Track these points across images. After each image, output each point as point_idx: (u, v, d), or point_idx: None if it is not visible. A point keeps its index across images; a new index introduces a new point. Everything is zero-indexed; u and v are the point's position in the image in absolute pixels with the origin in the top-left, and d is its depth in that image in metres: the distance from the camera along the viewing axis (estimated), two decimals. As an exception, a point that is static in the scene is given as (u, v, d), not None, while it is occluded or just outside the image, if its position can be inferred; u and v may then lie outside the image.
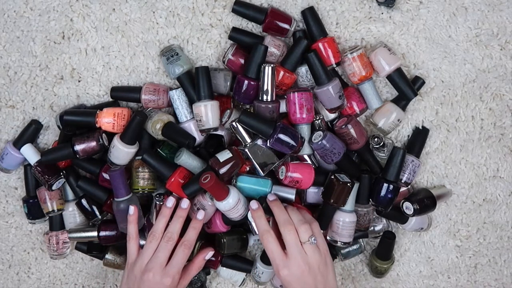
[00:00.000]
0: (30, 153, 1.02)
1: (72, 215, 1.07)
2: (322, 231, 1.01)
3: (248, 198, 0.99)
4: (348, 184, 0.96)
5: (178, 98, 1.00)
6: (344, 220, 1.00)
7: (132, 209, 0.99)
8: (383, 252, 1.09)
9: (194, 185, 0.96)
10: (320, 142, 0.96)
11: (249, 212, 0.99)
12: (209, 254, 1.03)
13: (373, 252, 1.11)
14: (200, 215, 0.99)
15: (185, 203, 0.99)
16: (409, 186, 1.07)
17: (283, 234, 0.92)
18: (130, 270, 0.97)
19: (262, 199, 0.97)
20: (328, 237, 1.03)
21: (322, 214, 1.01)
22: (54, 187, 1.01)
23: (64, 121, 1.00)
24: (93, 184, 1.04)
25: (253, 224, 1.01)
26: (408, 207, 1.02)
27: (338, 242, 1.02)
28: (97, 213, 1.05)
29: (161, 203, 0.99)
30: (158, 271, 0.95)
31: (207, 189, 0.92)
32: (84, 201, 1.04)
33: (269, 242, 0.93)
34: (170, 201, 0.99)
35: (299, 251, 0.91)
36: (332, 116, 1.03)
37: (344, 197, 0.97)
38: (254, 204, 0.97)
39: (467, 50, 1.04)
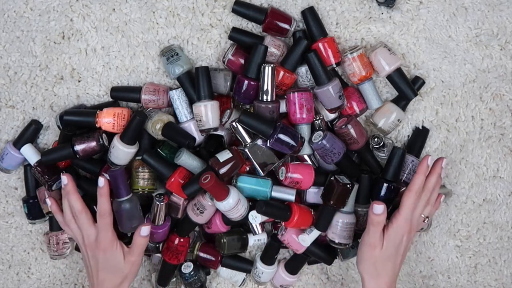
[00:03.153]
0: (30, 153, 1.02)
1: (72, 215, 1.07)
2: (321, 232, 1.02)
3: (248, 198, 0.99)
4: (348, 186, 0.96)
5: (178, 98, 1.00)
6: (344, 221, 1.00)
7: (102, 182, 0.96)
8: (383, 252, 1.09)
9: (194, 185, 0.96)
10: (320, 142, 0.96)
11: (249, 213, 0.99)
12: (143, 229, 0.98)
13: (373, 252, 1.11)
14: (100, 182, 0.96)
15: (100, 182, 0.96)
16: (409, 186, 1.07)
17: (403, 197, 0.96)
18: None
19: (260, 204, 0.97)
20: (327, 238, 1.03)
21: (322, 215, 1.01)
22: (54, 187, 1.01)
23: (64, 121, 1.00)
24: (93, 184, 1.04)
25: (254, 225, 1.01)
26: (408, 207, 1.02)
27: (338, 243, 1.02)
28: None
29: (161, 203, 0.99)
30: (93, 235, 0.97)
31: (207, 189, 0.92)
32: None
33: (409, 198, 0.96)
34: (101, 181, 0.97)
35: (412, 214, 0.96)
36: (332, 116, 1.03)
37: (344, 198, 0.97)
38: (378, 209, 0.94)
39: (467, 50, 1.04)
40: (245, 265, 1.10)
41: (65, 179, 0.98)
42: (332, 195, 0.96)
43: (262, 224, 1.04)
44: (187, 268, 1.06)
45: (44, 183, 1.01)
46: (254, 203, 0.99)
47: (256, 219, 0.98)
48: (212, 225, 1.03)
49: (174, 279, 1.11)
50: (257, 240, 1.11)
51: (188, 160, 0.99)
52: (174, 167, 1.00)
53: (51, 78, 1.05)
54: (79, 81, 1.05)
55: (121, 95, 1.04)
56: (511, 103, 1.06)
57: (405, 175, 1.02)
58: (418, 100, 1.06)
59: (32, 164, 1.02)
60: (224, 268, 1.11)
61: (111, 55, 1.04)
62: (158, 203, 0.99)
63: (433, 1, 1.02)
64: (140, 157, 1.00)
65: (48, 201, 1.01)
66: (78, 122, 1.00)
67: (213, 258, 1.07)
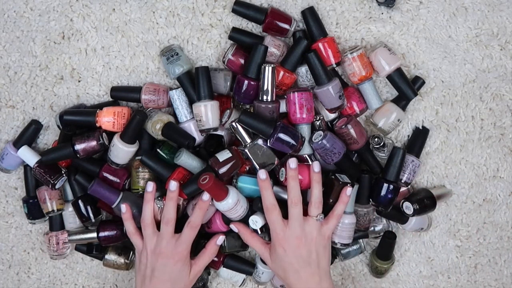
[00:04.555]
0: (27, 155, 1.01)
1: (72, 215, 1.07)
2: None
3: (248, 198, 0.99)
4: (348, 185, 0.96)
5: (178, 98, 1.00)
6: (344, 222, 1.00)
7: (124, 208, 0.98)
8: (383, 252, 1.09)
9: (194, 185, 0.96)
10: (320, 142, 0.96)
11: (250, 217, 0.98)
12: (220, 238, 1.01)
13: (373, 252, 1.11)
14: (206, 196, 0.95)
15: (173, 185, 0.96)
16: (409, 186, 1.07)
17: (289, 208, 0.93)
18: (140, 257, 0.99)
19: (257, 201, 0.96)
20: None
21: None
22: (57, 186, 1.01)
23: (64, 121, 1.00)
24: (90, 179, 1.03)
25: (255, 229, 1.01)
26: (408, 207, 1.02)
27: (338, 244, 1.02)
28: (91, 215, 1.04)
29: (161, 205, 0.99)
30: (170, 243, 0.95)
31: (206, 190, 0.92)
32: (80, 202, 1.04)
33: (272, 214, 0.94)
34: (150, 186, 0.98)
35: (300, 223, 0.93)
36: (332, 116, 1.03)
37: (344, 197, 0.97)
38: (262, 174, 0.95)
39: (467, 50, 1.04)
40: (247, 267, 1.09)
41: (150, 185, 0.98)
42: (332, 194, 0.97)
43: (263, 226, 1.04)
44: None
45: (46, 182, 1.00)
46: (254, 203, 1.00)
47: (257, 223, 0.98)
48: (212, 225, 1.03)
49: (174, 279, 1.11)
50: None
51: (188, 160, 0.99)
52: (173, 168, 0.99)
53: (51, 78, 1.05)
54: (79, 81, 1.05)
55: (121, 95, 1.04)
56: (511, 103, 1.06)
57: (405, 175, 1.02)
58: (418, 100, 1.06)
59: (31, 166, 1.02)
60: (225, 268, 1.11)
61: (111, 55, 1.04)
62: (158, 205, 0.99)
63: (433, 1, 1.02)
64: (139, 158, 1.00)
65: (123, 207, 0.98)
66: (78, 121, 1.00)
67: (216, 259, 1.07)
